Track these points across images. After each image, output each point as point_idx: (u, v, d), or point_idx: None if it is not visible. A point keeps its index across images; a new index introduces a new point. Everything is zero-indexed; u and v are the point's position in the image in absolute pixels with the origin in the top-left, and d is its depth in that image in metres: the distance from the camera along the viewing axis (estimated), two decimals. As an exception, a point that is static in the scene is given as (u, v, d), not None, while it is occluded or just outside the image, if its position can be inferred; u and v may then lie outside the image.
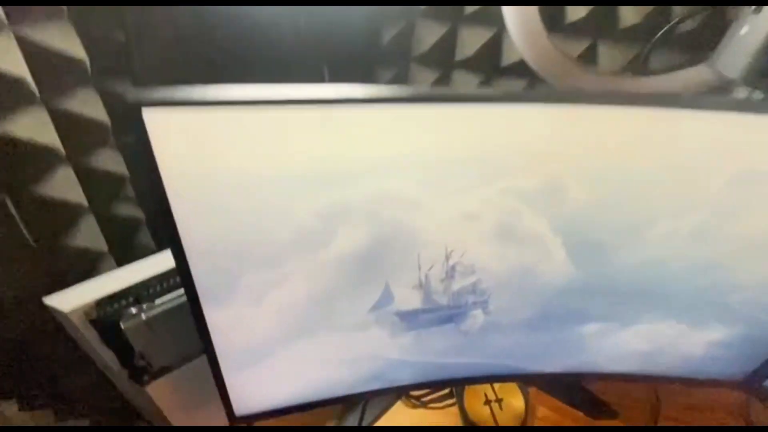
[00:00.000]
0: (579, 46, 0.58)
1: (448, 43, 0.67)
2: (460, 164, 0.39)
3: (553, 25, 0.58)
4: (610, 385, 0.72)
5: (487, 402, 0.70)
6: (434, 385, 0.69)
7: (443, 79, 0.71)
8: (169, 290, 0.49)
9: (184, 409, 0.58)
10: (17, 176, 0.47)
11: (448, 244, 0.44)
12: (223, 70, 0.59)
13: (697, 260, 0.48)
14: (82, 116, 0.49)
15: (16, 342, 0.51)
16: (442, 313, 0.51)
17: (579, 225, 0.45)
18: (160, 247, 0.59)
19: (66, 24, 0.46)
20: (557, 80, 0.56)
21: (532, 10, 0.52)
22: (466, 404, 0.70)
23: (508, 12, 0.53)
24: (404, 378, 0.59)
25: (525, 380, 0.71)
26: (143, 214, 0.55)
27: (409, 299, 0.49)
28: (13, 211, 0.46)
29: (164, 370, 0.53)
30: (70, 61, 0.47)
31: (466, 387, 0.70)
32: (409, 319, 0.51)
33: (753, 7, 0.46)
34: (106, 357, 0.49)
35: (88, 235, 0.50)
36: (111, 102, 0.51)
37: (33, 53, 0.44)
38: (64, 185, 0.48)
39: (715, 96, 0.50)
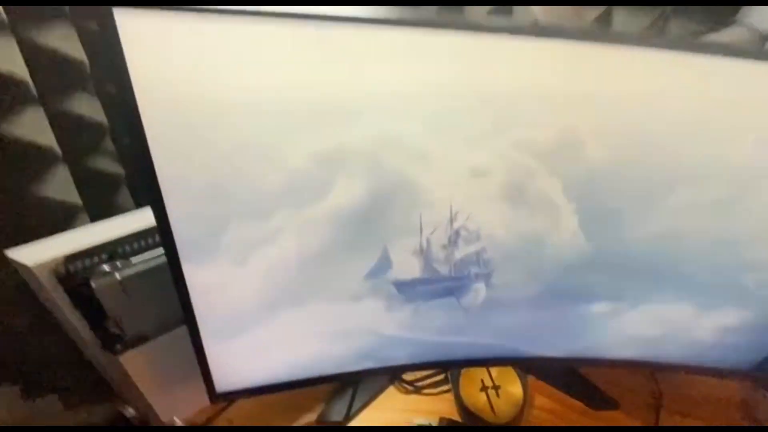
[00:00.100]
0: (594, 11, 0.55)
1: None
2: (470, 108, 0.35)
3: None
4: (611, 377, 0.69)
5: (484, 389, 0.66)
6: (430, 367, 0.65)
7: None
8: (147, 249, 0.44)
9: (161, 384, 0.53)
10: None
11: (453, 203, 0.40)
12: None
13: (715, 234, 0.45)
14: (58, 51, 0.45)
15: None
16: (442, 285, 0.47)
17: (594, 189, 0.41)
18: (139, 207, 0.55)
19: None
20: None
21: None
22: (462, 390, 0.66)
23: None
24: (399, 357, 0.55)
25: (525, 365, 0.67)
26: (123, 171, 0.51)
27: (407, 267, 0.45)
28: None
29: (140, 340, 0.48)
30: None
31: (462, 373, 0.66)
32: (407, 290, 0.47)
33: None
34: (76, 322, 0.44)
35: (60, 186, 0.45)
36: (88, 38, 0.47)
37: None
38: (33, 125, 0.43)
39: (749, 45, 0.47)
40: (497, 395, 0.66)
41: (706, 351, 0.57)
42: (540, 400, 0.68)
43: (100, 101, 0.47)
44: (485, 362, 0.61)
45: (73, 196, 0.46)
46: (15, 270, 0.42)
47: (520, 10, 0.61)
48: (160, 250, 0.41)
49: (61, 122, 0.45)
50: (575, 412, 0.67)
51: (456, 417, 0.63)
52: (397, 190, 0.38)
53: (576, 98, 0.35)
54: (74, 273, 0.41)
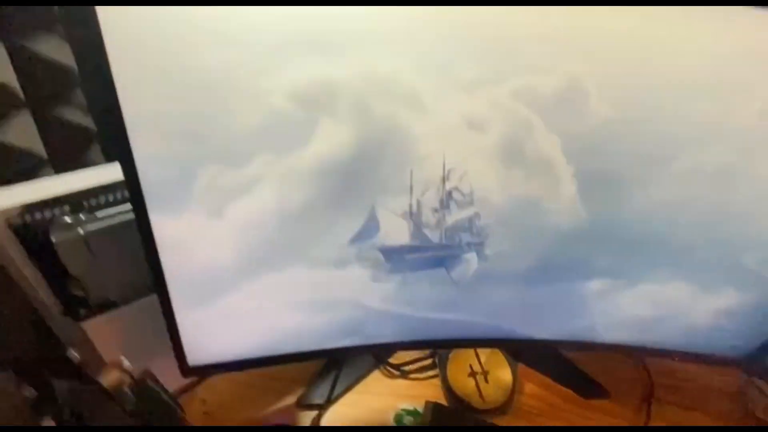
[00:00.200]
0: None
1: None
2: (468, 47, 0.32)
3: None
4: (602, 366, 0.66)
5: (472, 374, 0.63)
6: (416, 347, 0.62)
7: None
8: (116, 205, 0.40)
9: (130, 357, 0.48)
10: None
11: (446, 159, 0.37)
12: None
13: (716, 207, 0.42)
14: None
15: None
16: (432, 254, 0.44)
17: (595, 151, 0.38)
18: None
19: None
20: None
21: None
22: (449, 375, 0.62)
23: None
24: (384, 335, 0.51)
25: (516, 347, 0.64)
26: (94, 125, 0.47)
27: (396, 232, 0.41)
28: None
29: (106, 306, 0.44)
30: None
31: (450, 358, 0.63)
32: (395, 257, 0.43)
33: None
34: (34, 281, 0.40)
35: (22, 132, 0.41)
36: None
37: None
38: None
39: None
40: (486, 381, 0.62)
41: (701, 336, 0.55)
42: (530, 388, 0.65)
43: (70, 46, 0.44)
44: (475, 343, 0.58)
45: (36, 145, 0.42)
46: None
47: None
48: (129, 206, 0.37)
49: (24, 63, 0.41)
50: (565, 401, 0.64)
51: (443, 402, 0.60)
52: (387, 140, 0.34)
53: (582, 47, 0.32)
54: (32, 225, 0.37)
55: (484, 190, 0.40)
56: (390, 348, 0.56)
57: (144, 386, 0.27)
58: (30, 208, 0.37)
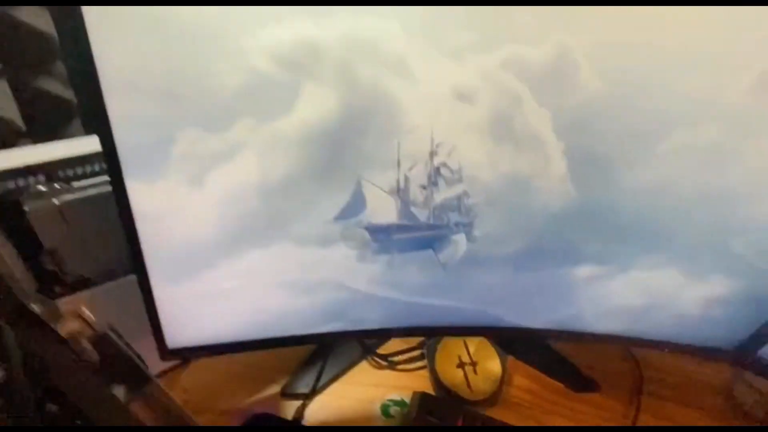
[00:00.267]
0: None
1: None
2: (457, 12, 0.31)
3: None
4: (592, 360, 0.65)
5: (461, 365, 0.61)
6: (404, 333, 0.60)
7: None
8: (92, 176, 0.39)
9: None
10: None
11: (434, 132, 0.36)
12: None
13: (706, 189, 0.41)
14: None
15: None
16: (420, 234, 0.43)
17: (585, 127, 0.37)
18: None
19: None
20: None
21: None
22: (438, 366, 0.61)
23: None
24: (370, 319, 0.50)
25: (505, 335, 0.62)
26: (75, 98, 0.45)
27: (383, 209, 0.40)
28: None
29: (82, 283, 0.42)
30: None
31: (439, 348, 0.62)
32: (382, 237, 0.42)
33: None
34: (5, 253, 0.38)
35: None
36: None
37: None
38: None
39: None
40: (474, 372, 0.61)
41: (691, 327, 0.53)
42: (519, 380, 0.63)
43: (51, 15, 0.42)
44: (462, 331, 0.56)
45: (12, 114, 0.40)
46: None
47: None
48: (107, 178, 0.36)
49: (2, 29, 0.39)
50: (555, 393, 0.62)
51: (430, 392, 0.59)
52: (373, 108, 0.33)
53: (571, 12, 0.31)
54: (4, 193, 0.35)
55: (473, 166, 0.38)
56: (376, 334, 0.54)
57: (104, 338, 0.25)
58: (2, 176, 0.35)
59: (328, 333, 0.49)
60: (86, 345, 0.24)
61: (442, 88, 0.33)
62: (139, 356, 0.27)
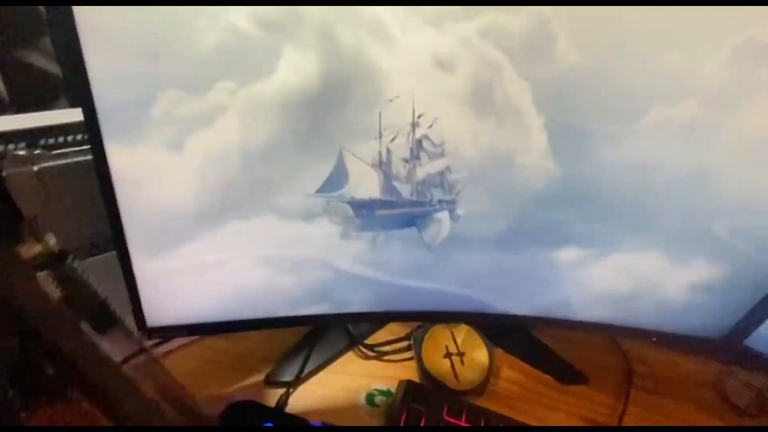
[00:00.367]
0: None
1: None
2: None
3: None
4: (581, 353, 0.64)
5: (448, 355, 0.60)
6: (388, 318, 0.59)
7: None
8: (75, 146, 0.38)
9: (86, 318, 0.45)
10: None
11: (415, 102, 0.36)
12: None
13: (685, 167, 0.41)
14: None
15: None
16: (403, 210, 0.42)
17: (564, 101, 0.37)
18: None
19: None
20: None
21: None
22: (424, 355, 0.59)
23: None
24: (356, 302, 0.48)
25: (490, 321, 0.61)
26: (59, 72, 0.45)
27: (366, 183, 0.39)
28: None
29: (62, 257, 0.41)
30: None
31: (426, 338, 0.60)
32: (365, 212, 0.41)
33: None
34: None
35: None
36: None
37: None
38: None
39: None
40: (462, 363, 0.60)
41: (676, 314, 0.52)
42: (507, 373, 0.62)
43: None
44: (449, 317, 0.55)
45: (-3, 86, 0.40)
46: None
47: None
48: (89, 147, 0.35)
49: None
50: (543, 385, 0.61)
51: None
52: (354, 74, 0.33)
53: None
54: (-17, 159, 0.35)
55: (455, 140, 0.38)
56: (362, 318, 0.53)
57: (64, 265, 0.24)
58: (-20, 140, 0.35)
59: (314, 315, 0.48)
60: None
61: (422, 56, 0.33)
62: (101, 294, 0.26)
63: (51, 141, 0.37)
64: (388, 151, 0.38)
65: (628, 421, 0.57)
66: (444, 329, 0.62)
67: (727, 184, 0.42)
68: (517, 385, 0.61)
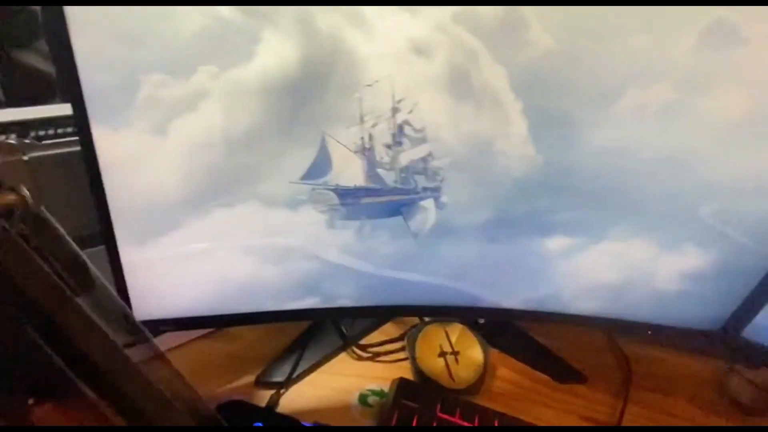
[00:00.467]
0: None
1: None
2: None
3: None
4: (579, 352, 0.62)
5: (442, 354, 0.58)
6: (378, 314, 0.57)
7: None
8: (65, 137, 0.39)
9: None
10: None
11: (395, 88, 0.36)
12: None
13: (665, 150, 0.41)
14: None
15: None
16: (387, 198, 0.42)
17: (540, 84, 0.37)
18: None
19: None
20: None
21: None
22: (418, 354, 0.58)
23: None
24: (345, 295, 0.48)
25: (481, 315, 0.60)
26: (54, 71, 0.46)
27: (349, 170, 0.40)
28: None
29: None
30: None
31: (420, 336, 0.59)
32: (350, 200, 0.41)
33: None
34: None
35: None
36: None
37: None
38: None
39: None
40: (456, 361, 0.58)
41: (670, 305, 0.51)
42: (503, 372, 0.60)
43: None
44: (440, 311, 0.54)
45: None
46: None
47: None
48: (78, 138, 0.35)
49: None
50: (539, 384, 0.59)
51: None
52: (333, 59, 0.34)
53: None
54: (-24, 149, 0.35)
55: (435, 126, 0.38)
56: (350, 313, 0.52)
57: (38, 216, 0.24)
58: (-25, 132, 0.35)
59: (303, 310, 0.48)
60: (17, 218, 0.22)
61: (399, 41, 0.34)
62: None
63: (41, 133, 0.38)
64: (371, 136, 0.38)
65: (629, 420, 0.55)
66: (438, 328, 0.60)
67: (708, 167, 0.42)
68: (513, 384, 0.59)
